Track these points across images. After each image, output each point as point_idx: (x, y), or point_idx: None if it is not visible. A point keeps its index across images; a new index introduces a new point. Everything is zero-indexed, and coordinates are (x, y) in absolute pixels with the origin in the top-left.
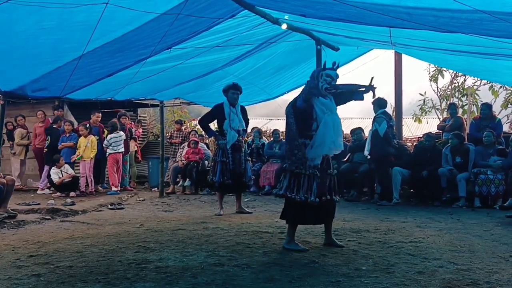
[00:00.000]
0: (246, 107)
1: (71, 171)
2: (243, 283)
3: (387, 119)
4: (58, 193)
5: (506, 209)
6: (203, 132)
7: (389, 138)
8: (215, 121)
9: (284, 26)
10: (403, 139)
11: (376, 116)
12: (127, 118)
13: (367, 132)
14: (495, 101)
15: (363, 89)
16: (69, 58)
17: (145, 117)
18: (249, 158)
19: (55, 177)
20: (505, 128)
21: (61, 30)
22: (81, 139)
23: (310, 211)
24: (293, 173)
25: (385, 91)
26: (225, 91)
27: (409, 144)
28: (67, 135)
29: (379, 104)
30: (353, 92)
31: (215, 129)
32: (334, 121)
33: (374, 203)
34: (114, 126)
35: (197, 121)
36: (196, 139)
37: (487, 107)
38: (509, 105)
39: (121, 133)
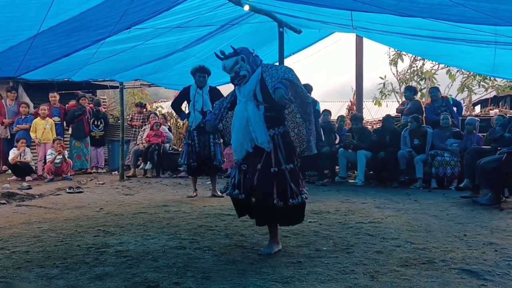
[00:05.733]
0: None
1: (28, 156)
2: (204, 266)
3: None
4: (14, 177)
5: (462, 190)
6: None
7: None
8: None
9: (246, 8)
10: (364, 121)
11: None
12: (87, 100)
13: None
14: (452, 85)
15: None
16: (24, 37)
17: (105, 99)
18: (219, 141)
19: (12, 157)
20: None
21: (14, 8)
22: (37, 121)
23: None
24: None
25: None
26: (192, 74)
27: (370, 127)
28: (23, 117)
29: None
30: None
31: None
32: (236, 114)
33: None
34: (97, 103)
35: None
36: (159, 122)
37: (435, 89)
38: (465, 89)
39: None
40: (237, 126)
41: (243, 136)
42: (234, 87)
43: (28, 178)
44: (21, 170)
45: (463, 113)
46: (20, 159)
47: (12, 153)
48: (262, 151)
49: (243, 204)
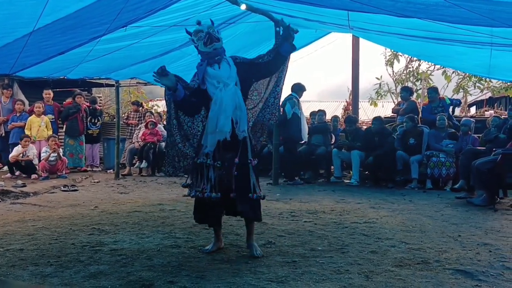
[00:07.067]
0: None
1: (31, 153)
2: (199, 265)
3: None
4: (9, 175)
5: (457, 191)
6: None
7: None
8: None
9: (243, 7)
10: (359, 122)
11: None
12: (83, 98)
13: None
14: (447, 86)
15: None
16: (19, 34)
17: (100, 97)
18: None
19: (13, 155)
20: (457, 112)
21: (10, 5)
22: (32, 118)
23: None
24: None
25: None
26: None
27: (365, 127)
28: (18, 114)
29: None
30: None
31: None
32: (223, 97)
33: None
34: (94, 100)
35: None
36: (154, 121)
37: (433, 90)
38: (461, 90)
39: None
40: (228, 110)
41: (229, 121)
42: (202, 70)
43: (33, 176)
44: (22, 168)
45: (459, 114)
46: (22, 157)
47: (16, 151)
48: (234, 145)
49: (220, 206)
